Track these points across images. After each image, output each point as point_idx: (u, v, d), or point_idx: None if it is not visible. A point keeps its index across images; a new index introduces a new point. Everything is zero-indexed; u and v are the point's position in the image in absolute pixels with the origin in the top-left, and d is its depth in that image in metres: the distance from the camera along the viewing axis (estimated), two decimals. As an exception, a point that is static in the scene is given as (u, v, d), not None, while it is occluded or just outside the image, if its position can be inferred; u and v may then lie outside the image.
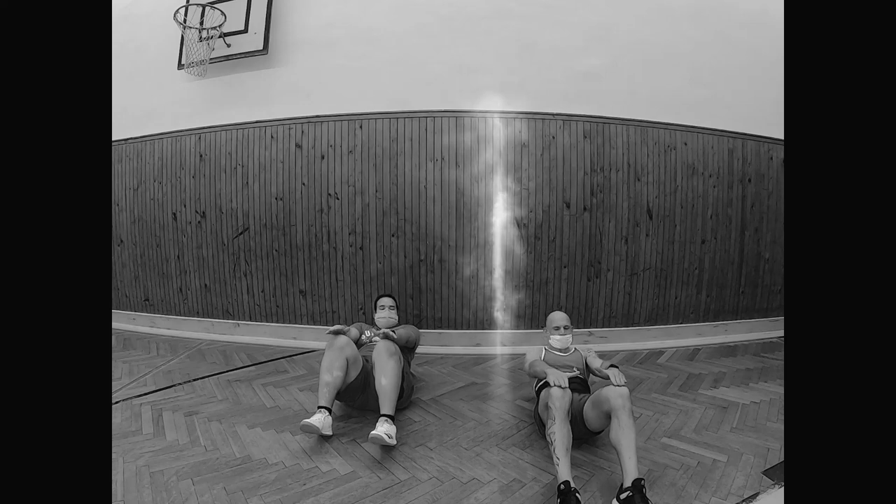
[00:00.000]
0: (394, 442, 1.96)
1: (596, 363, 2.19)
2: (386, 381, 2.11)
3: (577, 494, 1.54)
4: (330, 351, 2.18)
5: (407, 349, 2.74)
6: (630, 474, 1.57)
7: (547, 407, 1.85)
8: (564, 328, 2.32)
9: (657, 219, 3.57)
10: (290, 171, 3.59)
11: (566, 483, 1.55)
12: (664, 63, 3.52)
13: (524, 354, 2.36)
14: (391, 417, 2.04)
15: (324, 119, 3.53)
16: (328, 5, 3.56)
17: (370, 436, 1.92)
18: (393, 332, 2.42)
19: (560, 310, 2.70)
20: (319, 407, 2.07)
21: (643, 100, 3.50)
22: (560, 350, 2.33)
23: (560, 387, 1.81)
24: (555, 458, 1.65)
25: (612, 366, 1.99)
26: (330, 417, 2.07)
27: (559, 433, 1.69)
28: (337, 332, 2.30)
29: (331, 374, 2.12)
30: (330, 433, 2.07)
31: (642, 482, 1.54)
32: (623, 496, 1.54)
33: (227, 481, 1.77)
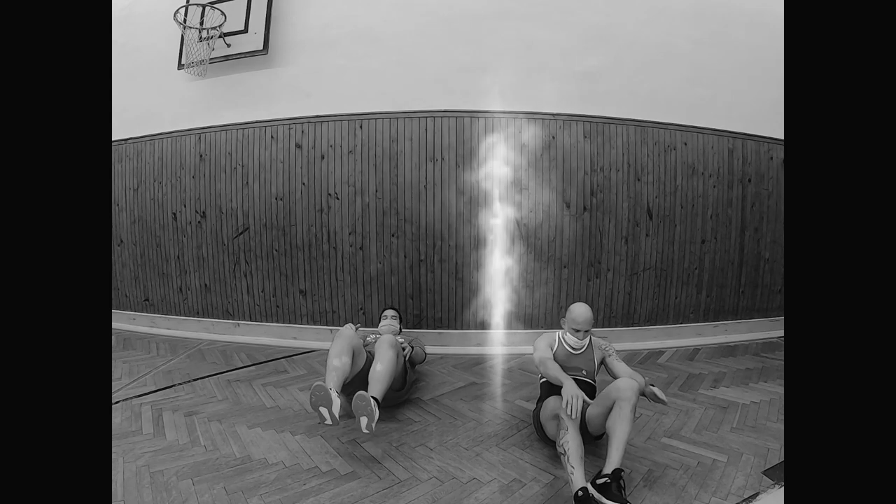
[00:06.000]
0: (368, 430, 1.88)
1: (620, 369, 2.05)
2: (381, 367, 2.13)
3: (594, 501, 1.52)
4: (338, 339, 2.21)
5: (412, 362, 2.78)
6: (612, 463, 1.60)
7: (556, 417, 1.81)
8: (585, 332, 2.10)
9: (657, 219, 3.57)
10: (290, 171, 3.59)
11: (584, 490, 1.53)
12: (664, 63, 3.52)
13: (536, 340, 2.17)
14: (377, 402, 1.97)
15: (324, 119, 3.53)
16: (328, 5, 3.55)
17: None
18: (412, 346, 2.68)
19: (582, 302, 2.26)
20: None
21: (643, 100, 3.50)
22: (573, 347, 2.14)
23: (571, 416, 1.69)
24: (568, 468, 1.61)
25: (650, 385, 1.87)
26: (339, 400, 1.94)
27: (573, 443, 1.65)
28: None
29: (339, 360, 2.12)
30: (337, 419, 1.91)
31: (622, 473, 1.57)
32: (600, 481, 1.56)
33: (227, 481, 1.77)
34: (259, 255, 3.70)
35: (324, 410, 1.90)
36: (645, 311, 3.61)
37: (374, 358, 2.25)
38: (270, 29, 3.57)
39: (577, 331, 2.09)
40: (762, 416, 2.33)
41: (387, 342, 2.23)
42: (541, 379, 2.18)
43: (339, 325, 3.57)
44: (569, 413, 1.68)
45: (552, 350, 2.13)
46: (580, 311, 2.10)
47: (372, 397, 1.96)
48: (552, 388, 2.03)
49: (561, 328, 2.21)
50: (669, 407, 2.44)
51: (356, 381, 2.25)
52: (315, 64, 3.56)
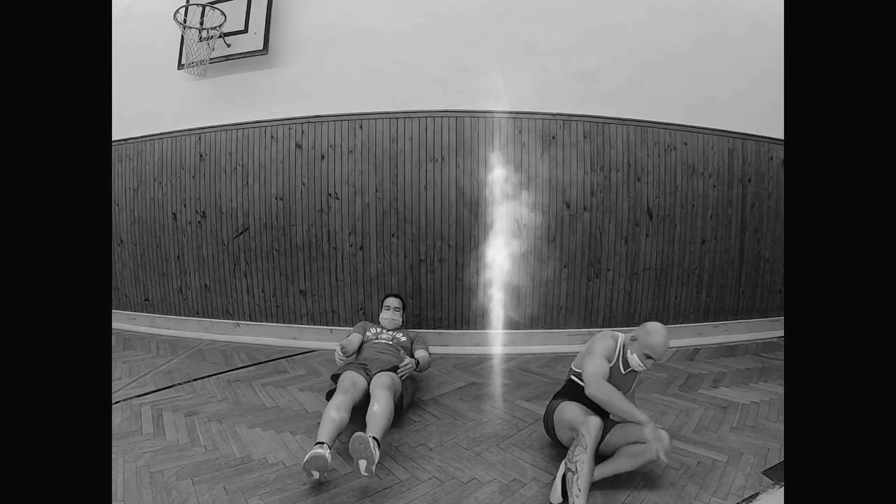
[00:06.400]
0: (368, 473, 1.72)
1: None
2: (378, 407, 2.00)
3: None
4: (341, 393, 2.09)
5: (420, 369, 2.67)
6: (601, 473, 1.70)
7: (573, 429, 1.75)
8: (654, 361, 1.87)
9: (657, 219, 3.57)
10: (290, 171, 3.59)
11: None
12: (664, 63, 3.52)
13: (591, 341, 1.94)
14: (378, 442, 1.82)
15: (324, 119, 3.53)
16: (328, 5, 3.55)
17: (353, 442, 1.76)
18: (416, 360, 2.48)
19: (656, 321, 1.94)
20: (318, 442, 1.82)
21: (643, 100, 3.50)
22: (629, 367, 1.93)
23: (662, 461, 1.62)
24: (574, 490, 1.54)
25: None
26: (329, 455, 1.77)
27: (587, 466, 1.57)
28: (344, 357, 2.38)
29: (338, 413, 1.99)
30: (327, 474, 1.78)
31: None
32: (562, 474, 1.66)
33: (227, 481, 1.77)
34: (259, 255, 3.70)
35: (315, 473, 1.76)
36: (645, 311, 3.61)
37: (370, 395, 2.12)
38: (270, 29, 3.57)
39: (649, 357, 1.84)
40: (762, 416, 2.32)
41: (381, 384, 2.12)
42: (569, 375, 2.01)
43: (339, 326, 3.59)
44: (660, 458, 1.61)
45: (609, 363, 1.88)
46: (661, 340, 1.80)
47: (372, 437, 1.79)
48: (579, 391, 1.88)
49: (629, 345, 1.91)
50: (668, 406, 2.45)
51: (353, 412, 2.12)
52: (315, 64, 3.56)
